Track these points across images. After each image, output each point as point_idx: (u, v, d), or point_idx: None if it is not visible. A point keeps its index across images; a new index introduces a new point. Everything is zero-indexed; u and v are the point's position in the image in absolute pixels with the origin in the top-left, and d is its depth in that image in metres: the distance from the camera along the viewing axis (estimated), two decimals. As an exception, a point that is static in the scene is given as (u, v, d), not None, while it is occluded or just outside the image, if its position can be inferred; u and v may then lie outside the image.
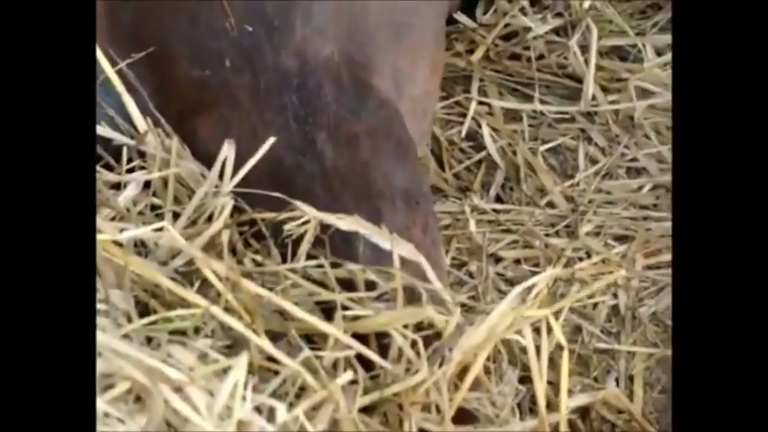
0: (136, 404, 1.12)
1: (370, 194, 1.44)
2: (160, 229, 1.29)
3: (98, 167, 1.44)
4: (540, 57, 1.79)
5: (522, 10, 1.78)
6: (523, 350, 1.32)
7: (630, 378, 1.48)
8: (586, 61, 1.75)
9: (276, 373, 1.22)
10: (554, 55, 1.79)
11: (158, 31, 1.50)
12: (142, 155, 1.44)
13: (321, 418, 1.19)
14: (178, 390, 1.12)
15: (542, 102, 1.77)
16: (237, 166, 1.40)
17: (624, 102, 1.75)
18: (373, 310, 1.31)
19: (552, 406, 1.32)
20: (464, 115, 1.73)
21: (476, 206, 1.63)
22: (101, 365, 1.14)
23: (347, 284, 1.35)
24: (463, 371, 1.27)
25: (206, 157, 1.44)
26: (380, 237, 1.34)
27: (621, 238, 1.62)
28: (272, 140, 1.40)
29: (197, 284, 1.29)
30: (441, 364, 1.27)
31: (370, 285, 1.34)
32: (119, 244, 1.26)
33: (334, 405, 1.20)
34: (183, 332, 1.24)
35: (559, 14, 1.79)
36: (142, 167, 1.42)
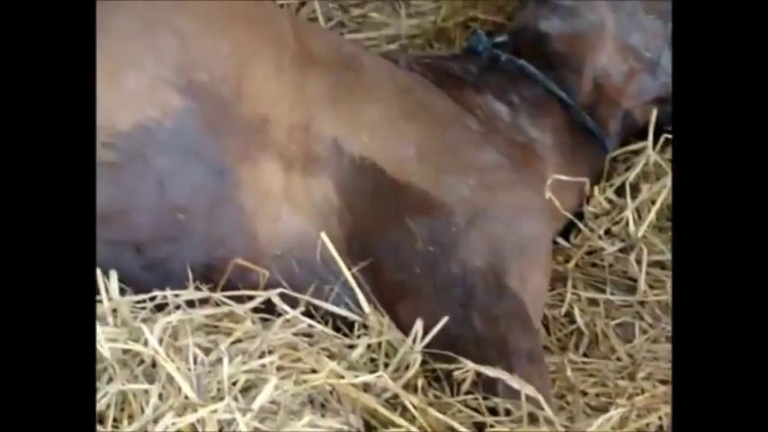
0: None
1: (507, 354, 1.37)
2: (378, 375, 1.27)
3: (337, 334, 1.40)
4: (611, 265, 1.73)
5: (599, 237, 1.73)
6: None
7: (669, 468, 1.41)
8: (640, 269, 1.69)
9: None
10: (619, 264, 1.73)
11: (373, 248, 1.45)
12: (366, 327, 1.40)
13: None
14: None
15: (612, 293, 1.71)
16: (424, 334, 1.35)
17: (663, 295, 1.69)
18: (509, 428, 1.27)
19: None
20: (563, 301, 1.68)
21: (571, 359, 1.57)
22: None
23: (492, 411, 1.30)
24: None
25: (404, 328, 1.38)
26: (513, 381, 1.29)
27: (663, 382, 1.55)
28: (445, 320, 1.35)
29: (399, 410, 1.26)
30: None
31: (507, 412, 1.29)
32: (353, 385, 1.24)
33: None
34: (392, 442, 1.22)
35: (623, 240, 1.73)
36: (366, 335, 1.38)
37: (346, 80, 1.52)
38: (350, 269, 1.41)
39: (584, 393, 1.55)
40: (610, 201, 1.78)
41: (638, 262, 1.71)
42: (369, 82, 1.55)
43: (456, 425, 1.24)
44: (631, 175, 1.77)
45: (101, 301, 1.28)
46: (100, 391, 1.18)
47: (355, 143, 1.47)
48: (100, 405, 1.16)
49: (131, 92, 1.34)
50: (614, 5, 1.76)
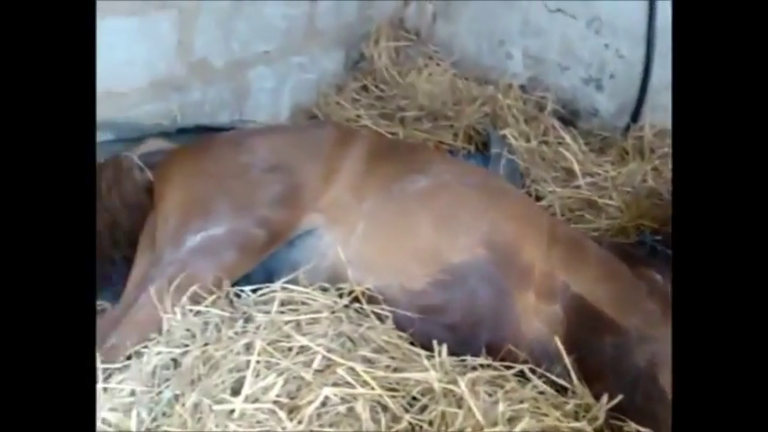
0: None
1: (658, 421, 2.12)
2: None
3: (556, 393, 2.26)
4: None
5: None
6: None
7: None
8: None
9: None
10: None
11: (580, 346, 2.35)
12: (573, 392, 2.26)
13: None
14: None
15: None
16: (608, 401, 2.22)
17: None
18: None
19: None
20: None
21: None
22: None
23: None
24: None
25: (596, 397, 2.24)
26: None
27: None
28: (620, 397, 2.22)
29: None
30: None
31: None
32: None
33: None
34: None
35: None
36: (573, 398, 2.24)
37: (573, 251, 2.56)
38: (567, 357, 2.37)
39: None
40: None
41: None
42: (586, 255, 2.57)
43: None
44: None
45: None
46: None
47: (575, 286, 2.47)
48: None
49: (461, 245, 2.42)
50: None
